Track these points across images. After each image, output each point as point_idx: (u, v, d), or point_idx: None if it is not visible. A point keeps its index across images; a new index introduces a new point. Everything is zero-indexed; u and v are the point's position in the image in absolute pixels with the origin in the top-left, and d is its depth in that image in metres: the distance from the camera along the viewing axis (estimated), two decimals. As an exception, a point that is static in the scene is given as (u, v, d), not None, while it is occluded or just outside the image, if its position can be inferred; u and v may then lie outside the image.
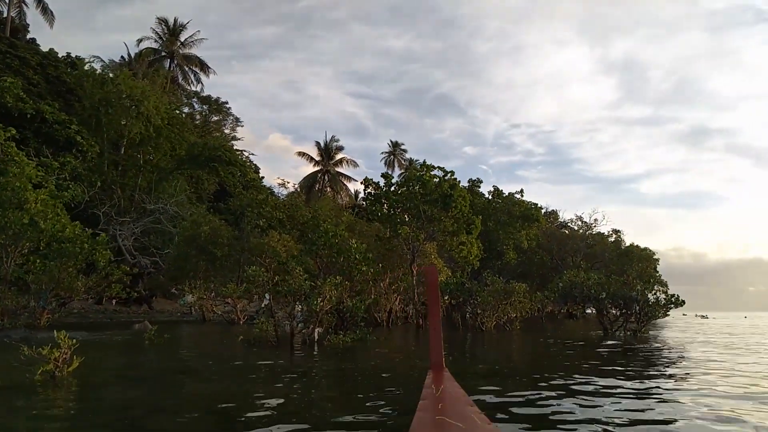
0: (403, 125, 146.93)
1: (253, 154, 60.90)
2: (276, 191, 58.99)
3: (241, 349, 12.18)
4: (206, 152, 43.14)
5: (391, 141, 76.33)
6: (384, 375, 8.22)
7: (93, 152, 35.45)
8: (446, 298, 22.64)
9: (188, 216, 34.77)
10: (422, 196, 23.09)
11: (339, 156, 74.16)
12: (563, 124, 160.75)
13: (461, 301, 21.45)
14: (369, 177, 24.77)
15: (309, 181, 71.85)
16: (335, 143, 73.97)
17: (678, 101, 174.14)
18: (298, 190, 68.37)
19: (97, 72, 38.71)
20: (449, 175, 23.48)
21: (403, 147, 78.95)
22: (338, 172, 72.52)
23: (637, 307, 18.79)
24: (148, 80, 43.33)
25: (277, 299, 12.97)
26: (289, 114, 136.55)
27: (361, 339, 13.94)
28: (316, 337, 13.20)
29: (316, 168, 72.19)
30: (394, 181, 25.25)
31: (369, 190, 25.17)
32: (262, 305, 12.92)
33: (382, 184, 25.24)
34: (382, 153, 79.64)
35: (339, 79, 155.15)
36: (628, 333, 19.13)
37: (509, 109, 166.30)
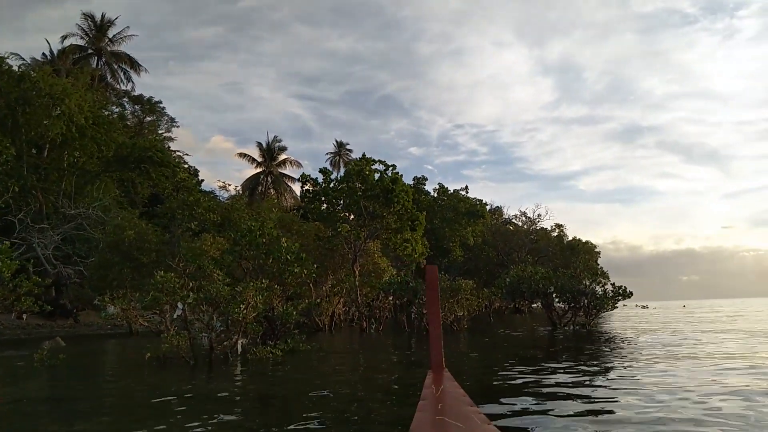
0: (349, 127, 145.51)
1: (187, 155, 57.54)
2: (218, 194, 56.19)
3: (148, 369, 10.40)
4: (135, 153, 40.16)
5: (336, 141, 74.57)
6: (322, 395, 6.79)
7: (8, 154, 31.95)
8: (390, 298, 21.45)
9: (112, 221, 31.93)
10: (363, 191, 21.75)
11: (282, 157, 71.75)
12: (505, 124, 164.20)
13: (406, 301, 20.27)
14: (307, 174, 23.17)
15: (251, 183, 69.09)
16: (278, 144, 71.48)
17: (612, 101, 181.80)
18: (240, 192, 65.60)
19: (14, 69, 35.02)
20: (390, 169, 22.26)
21: (348, 147, 77.35)
22: (282, 173, 70.19)
23: (586, 300, 18.24)
24: (72, 78, 39.87)
25: (195, 308, 11.28)
26: (232, 116, 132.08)
27: (292, 349, 12.44)
28: (240, 349, 11.56)
29: (259, 169, 69.67)
30: (333, 177, 23.74)
31: (307, 187, 23.57)
32: (174, 316, 11.18)
33: (321, 180, 23.71)
34: (327, 153, 77.85)
35: (283, 81, 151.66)
36: (577, 327, 18.57)
37: (453, 110, 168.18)
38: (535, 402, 5.50)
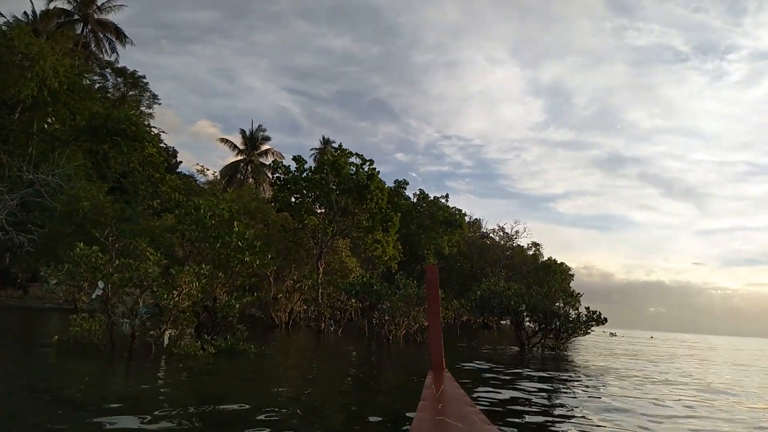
0: (337, 126, 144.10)
1: (163, 132, 55.38)
2: (196, 178, 54.32)
3: (57, 352, 8.90)
4: (109, 124, 38.16)
5: (323, 138, 73.14)
6: (240, 410, 5.43)
7: (-32, 113, 29.85)
8: (353, 301, 20.11)
9: (69, 191, 29.98)
10: (336, 184, 20.37)
11: (265, 147, 70.01)
12: (492, 140, 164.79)
13: (368, 305, 18.94)
14: (279, 160, 21.72)
15: (230, 170, 67.29)
16: (262, 133, 69.69)
17: (598, 128, 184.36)
18: (218, 178, 63.71)
19: (-13, 26, 32.87)
20: (368, 164, 20.92)
21: (334, 145, 75.72)
22: (263, 163, 68.49)
23: (558, 323, 17.15)
24: (51, 41, 37.75)
25: (119, 290, 9.79)
26: (220, 102, 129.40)
27: (230, 348, 10.99)
28: (166, 342, 10.09)
29: (240, 157, 67.93)
30: (307, 167, 22.32)
31: (278, 174, 22.09)
32: (93, 296, 9.68)
33: (293, 168, 22.25)
34: (312, 149, 76.32)
35: (275, 73, 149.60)
36: (546, 349, 17.49)
37: (442, 120, 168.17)
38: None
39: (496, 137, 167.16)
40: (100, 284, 9.43)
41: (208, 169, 59.80)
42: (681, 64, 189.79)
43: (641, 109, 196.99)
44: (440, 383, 2.40)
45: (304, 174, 21.74)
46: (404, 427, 5.25)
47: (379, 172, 20.59)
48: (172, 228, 12.35)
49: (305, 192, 21.07)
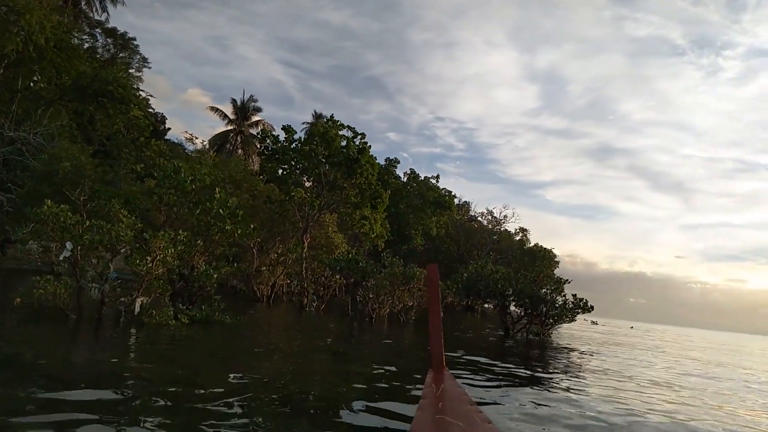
0: (331, 101, 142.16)
1: (151, 96, 53.97)
2: (184, 146, 53.20)
3: (18, 316, 8.35)
4: (95, 85, 36.86)
5: (315, 112, 71.89)
6: (201, 394, 4.97)
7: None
8: (337, 277, 19.68)
9: (49, 150, 28.96)
10: (325, 157, 19.72)
11: (256, 118, 68.61)
12: (485, 124, 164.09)
13: (353, 282, 18.53)
14: (268, 129, 20.96)
15: (220, 140, 66.04)
16: (253, 103, 68.24)
17: (591, 118, 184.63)
18: (207, 147, 62.52)
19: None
20: (359, 138, 20.24)
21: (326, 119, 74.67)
22: (252, 134, 67.22)
23: (544, 308, 16.91)
24: None
25: (88, 253, 9.20)
26: (213, 71, 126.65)
27: (206, 319, 10.52)
28: (137, 309, 9.57)
29: (230, 127, 66.66)
30: (297, 137, 21.60)
31: (267, 143, 21.36)
32: (61, 257, 9.11)
33: (282, 138, 21.52)
34: (304, 123, 75.08)
35: (270, 44, 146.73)
36: (531, 335, 17.28)
37: (436, 101, 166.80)
38: None
39: (489, 121, 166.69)
40: (68, 245, 8.84)
41: (197, 138, 58.56)
42: (677, 58, 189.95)
43: (635, 100, 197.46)
44: (440, 382, 2.48)
45: (293, 145, 21.05)
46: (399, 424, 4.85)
47: (370, 146, 20.02)
48: (150, 191, 11.71)
49: (293, 163, 20.40)
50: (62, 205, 9.06)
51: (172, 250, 9.58)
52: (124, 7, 57.38)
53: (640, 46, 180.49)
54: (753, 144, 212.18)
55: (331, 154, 19.50)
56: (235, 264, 13.39)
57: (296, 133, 21.29)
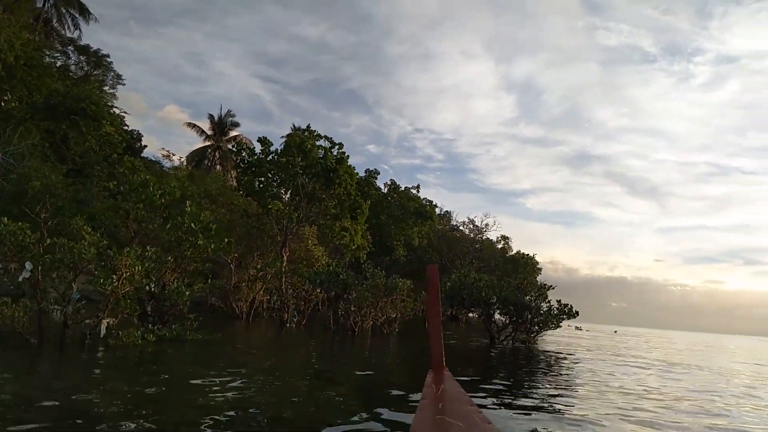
0: (310, 115, 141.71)
1: (125, 113, 52.97)
2: (162, 163, 52.27)
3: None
4: (67, 102, 36.01)
5: (294, 125, 71.47)
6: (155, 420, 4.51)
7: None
8: (318, 291, 19.21)
9: (18, 170, 28.01)
10: (302, 168, 19.30)
11: (234, 133, 67.92)
12: (463, 134, 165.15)
13: (334, 295, 18.08)
14: (244, 141, 20.51)
15: (197, 156, 65.03)
16: (231, 118, 67.54)
17: (566, 126, 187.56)
18: (184, 164, 61.47)
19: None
20: (337, 148, 19.89)
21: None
22: (231, 149, 66.37)
23: (529, 315, 16.67)
24: (8, 12, 35.24)
25: (49, 273, 8.65)
26: (190, 88, 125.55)
27: (178, 338, 10.00)
28: (103, 331, 9.02)
29: (208, 143, 65.76)
30: (274, 149, 21.16)
31: (243, 155, 20.87)
32: (20, 279, 8.55)
33: (259, 150, 21.07)
34: (282, 137, 74.38)
35: (248, 59, 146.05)
36: (517, 343, 17.02)
37: (414, 113, 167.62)
38: None
39: (468, 131, 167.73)
40: (28, 265, 8.30)
41: (174, 155, 57.77)
42: (648, 65, 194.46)
43: (609, 108, 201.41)
44: (440, 383, 2.46)
45: (270, 157, 20.61)
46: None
47: (348, 156, 19.68)
48: (116, 206, 11.17)
49: (270, 176, 19.94)
50: (20, 223, 8.53)
51: (139, 267, 9.08)
52: (98, 26, 56.50)
53: (612, 55, 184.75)
54: (724, 148, 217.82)
55: (308, 165, 19.10)
56: (209, 280, 12.80)
57: (272, 144, 20.84)
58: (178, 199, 11.77)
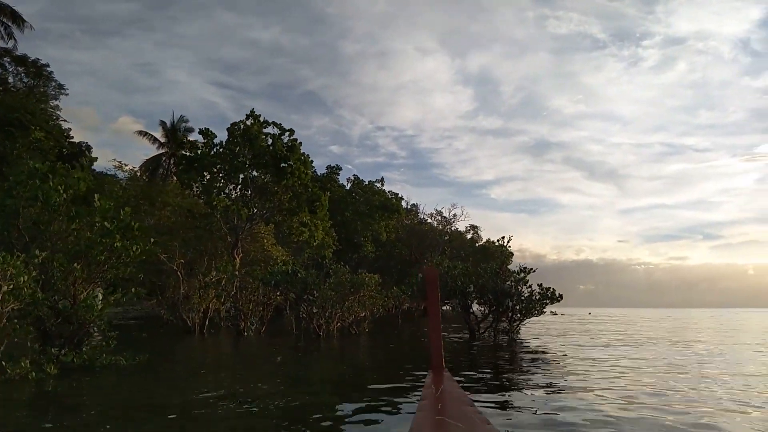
0: (268, 119, 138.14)
1: (64, 120, 49.44)
2: (116, 175, 49.09)
3: None
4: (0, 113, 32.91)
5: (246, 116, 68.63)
6: None
7: None
8: (277, 294, 17.27)
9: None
10: (250, 159, 17.29)
11: (191, 138, 64.96)
12: (424, 130, 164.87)
13: (295, 297, 16.18)
14: (184, 136, 18.35)
15: (151, 165, 61.46)
16: (184, 124, 64.38)
17: (524, 116, 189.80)
18: (138, 174, 58.05)
19: None
20: (288, 134, 17.94)
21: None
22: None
23: (511, 303, 15.18)
24: None
25: None
26: (143, 98, 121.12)
27: (88, 363, 8.01)
28: (-21, 364, 6.95)
29: (162, 150, 62.38)
30: (218, 141, 19.03)
31: (183, 151, 18.68)
32: None
33: (202, 143, 18.93)
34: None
35: (201, 66, 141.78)
36: (500, 334, 15.52)
37: (375, 111, 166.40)
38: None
39: (428, 126, 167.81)
40: None
41: (126, 165, 54.46)
42: (599, 51, 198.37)
43: (564, 95, 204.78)
44: (440, 383, 2.52)
45: (214, 150, 18.51)
46: None
47: (301, 143, 17.72)
48: (0, 205, 8.98)
49: (215, 170, 17.84)
50: None
51: (26, 277, 7.07)
52: (44, 40, 52.69)
53: (564, 43, 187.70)
54: (677, 127, 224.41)
55: (255, 155, 17.10)
56: (121, 291, 10.59)
57: (216, 136, 18.72)
58: (84, 193, 9.67)
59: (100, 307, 8.41)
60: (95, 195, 9.30)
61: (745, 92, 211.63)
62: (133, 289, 9.70)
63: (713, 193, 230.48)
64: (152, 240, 10.27)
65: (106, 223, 9.16)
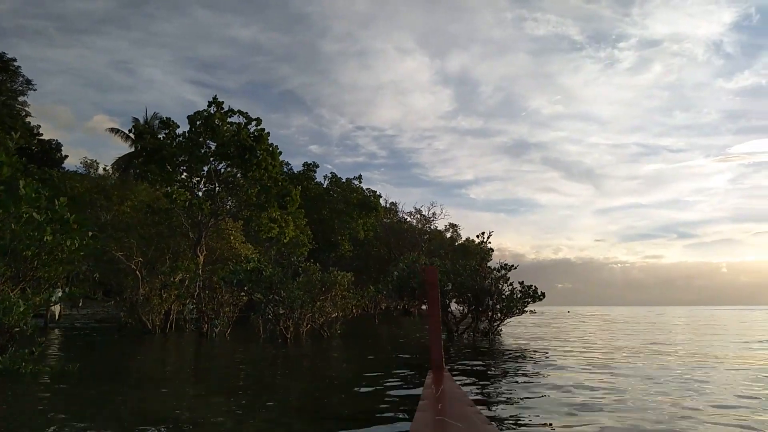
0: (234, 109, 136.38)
1: (30, 115, 47.43)
2: (88, 173, 46.95)
3: None
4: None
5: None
6: None
7: None
8: (242, 294, 16.18)
9: None
10: (214, 150, 16.15)
11: (162, 135, 62.65)
12: (405, 130, 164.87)
13: (262, 297, 15.07)
14: (143, 124, 17.13)
15: (124, 163, 59.05)
16: (157, 121, 62.04)
17: (504, 116, 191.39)
18: (110, 172, 55.76)
19: None
20: (254, 123, 16.81)
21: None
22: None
23: (491, 302, 14.36)
24: None
25: None
26: (119, 96, 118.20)
27: (12, 371, 6.88)
28: None
29: (134, 148, 60.11)
30: (180, 131, 17.82)
31: (140, 144, 17.44)
32: None
33: (163, 134, 17.70)
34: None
35: (178, 65, 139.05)
36: (479, 335, 14.70)
37: (354, 110, 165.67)
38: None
39: (408, 126, 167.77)
40: None
41: (97, 163, 52.33)
42: (577, 53, 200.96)
43: (542, 96, 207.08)
44: (440, 383, 2.66)
45: (177, 141, 17.31)
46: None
47: (269, 133, 16.57)
48: None
49: (176, 161, 16.64)
50: None
51: None
52: (18, 38, 50.40)
53: (541, 45, 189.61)
54: (652, 128, 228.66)
55: (219, 145, 15.96)
56: (74, 289, 9.43)
57: (179, 126, 17.50)
58: (7, 179, 8.48)
59: (21, 309, 7.28)
60: (20, 182, 8.12)
61: (718, 93, 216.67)
62: (67, 289, 8.55)
63: (688, 193, 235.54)
64: (90, 234, 9.08)
65: (35, 214, 8.03)
